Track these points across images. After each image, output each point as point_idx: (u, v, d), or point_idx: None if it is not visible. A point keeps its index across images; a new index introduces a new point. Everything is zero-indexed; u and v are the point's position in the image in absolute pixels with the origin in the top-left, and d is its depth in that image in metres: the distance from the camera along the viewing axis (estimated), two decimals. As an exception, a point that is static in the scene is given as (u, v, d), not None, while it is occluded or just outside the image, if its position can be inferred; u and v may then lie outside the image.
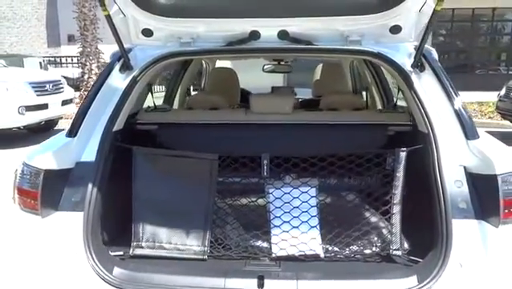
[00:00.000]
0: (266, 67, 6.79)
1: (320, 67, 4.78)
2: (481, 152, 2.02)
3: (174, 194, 2.33)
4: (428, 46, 2.51)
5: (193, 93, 5.13)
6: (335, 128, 2.87)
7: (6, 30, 22.26)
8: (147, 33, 2.31)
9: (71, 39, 19.64)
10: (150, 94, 3.15)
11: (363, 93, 4.33)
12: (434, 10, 2.03)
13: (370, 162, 2.41)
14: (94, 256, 1.98)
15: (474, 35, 20.22)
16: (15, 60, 13.76)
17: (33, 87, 8.23)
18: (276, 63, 6.22)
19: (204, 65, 5.47)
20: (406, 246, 2.24)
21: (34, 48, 21.59)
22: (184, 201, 2.32)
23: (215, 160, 2.40)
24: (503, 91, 9.30)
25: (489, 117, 10.51)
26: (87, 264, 1.97)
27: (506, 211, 1.93)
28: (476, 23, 20.05)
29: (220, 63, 5.52)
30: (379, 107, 3.85)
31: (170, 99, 4.60)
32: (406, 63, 2.27)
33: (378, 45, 2.31)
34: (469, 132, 2.10)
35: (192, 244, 2.26)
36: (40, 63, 15.49)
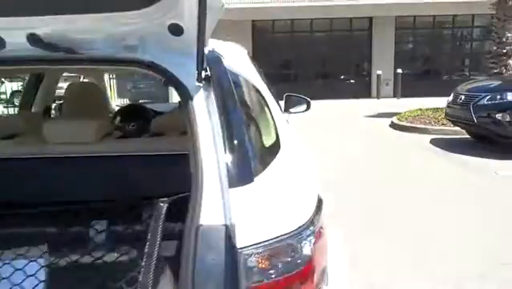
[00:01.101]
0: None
1: None
2: (233, 208, 1.30)
3: None
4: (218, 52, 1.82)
5: None
6: (151, 159, 2.19)
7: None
8: None
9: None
10: None
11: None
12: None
13: (118, 215, 1.68)
14: None
15: (438, 42, 20.02)
16: None
17: None
18: None
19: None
20: None
21: None
22: None
23: None
24: (451, 97, 8.76)
25: (443, 124, 9.90)
26: None
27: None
28: (438, 30, 19.87)
29: None
30: None
31: None
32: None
33: (165, 52, 1.61)
34: (235, 175, 1.38)
35: None
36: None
